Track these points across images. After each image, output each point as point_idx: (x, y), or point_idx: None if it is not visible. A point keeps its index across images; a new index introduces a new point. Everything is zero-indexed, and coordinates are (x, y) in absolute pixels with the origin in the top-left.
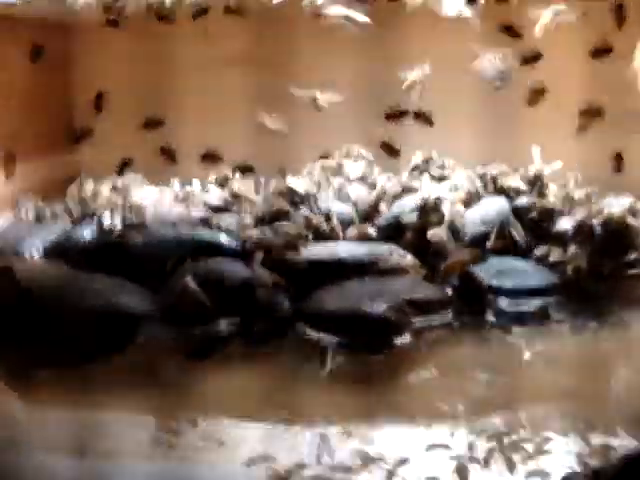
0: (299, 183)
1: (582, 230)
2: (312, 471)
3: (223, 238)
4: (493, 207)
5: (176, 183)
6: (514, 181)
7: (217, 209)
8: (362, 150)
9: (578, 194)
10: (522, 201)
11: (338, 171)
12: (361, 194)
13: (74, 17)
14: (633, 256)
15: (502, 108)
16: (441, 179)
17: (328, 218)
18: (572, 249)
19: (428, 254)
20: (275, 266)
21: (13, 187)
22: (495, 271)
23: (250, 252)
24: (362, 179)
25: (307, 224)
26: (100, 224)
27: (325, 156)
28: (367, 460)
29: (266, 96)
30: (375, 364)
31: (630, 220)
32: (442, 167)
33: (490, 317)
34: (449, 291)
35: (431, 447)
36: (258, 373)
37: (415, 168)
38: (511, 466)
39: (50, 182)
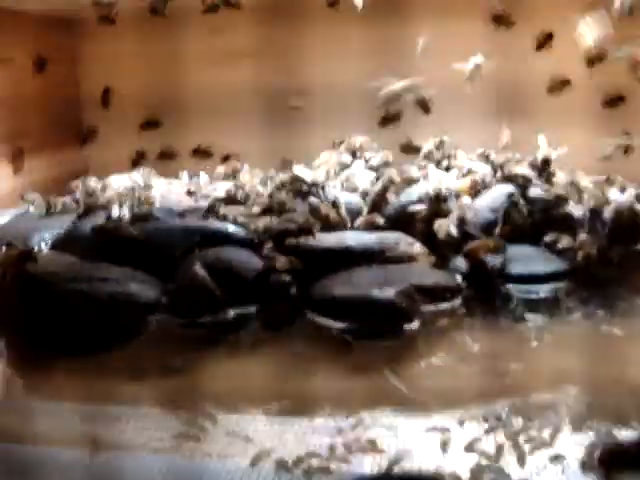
0: (306, 172)
1: (592, 217)
2: (319, 461)
3: (231, 227)
4: (500, 194)
5: (185, 176)
6: (521, 169)
7: (225, 200)
8: (368, 140)
9: (584, 182)
10: (536, 191)
11: (346, 161)
12: (369, 184)
13: (82, 12)
14: None
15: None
16: (448, 169)
17: (336, 207)
18: (582, 236)
19: (437, 243)
20: (288, 252)
21: (22, 181)
22: (504, 257)
23: (260, 241)
24: (370, 169)
25: (315, 213)
26: (108, 215)
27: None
28: (374, 449)
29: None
30: (384, 351)
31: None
32: (449, 156)
33: (499, 303)
34: (459, 278)
35: (439, 435)
36: (267, 362)
37: (428, 155)
38: (521, 455)
39: (58, 177)
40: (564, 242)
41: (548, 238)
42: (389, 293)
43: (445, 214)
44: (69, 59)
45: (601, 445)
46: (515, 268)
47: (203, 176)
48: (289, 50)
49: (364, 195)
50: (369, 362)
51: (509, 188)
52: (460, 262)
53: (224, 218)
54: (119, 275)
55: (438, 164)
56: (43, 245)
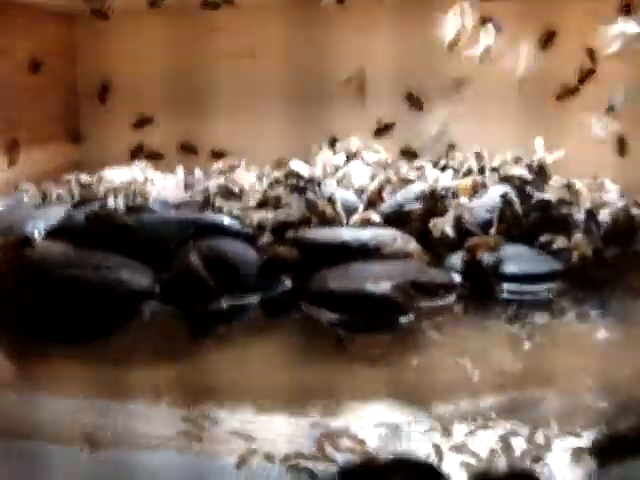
0: (303, 167)
1: (587, 219)
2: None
3: (227, 220)
4: (496, 194)
5: (180, 171)
6: (518, 170)
7: (220, 194)
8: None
9: (578, 185)
10: (542, 196)
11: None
12: (366, 181)
13: (82, 6)
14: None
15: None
16: (444, 168)
17: (332, 202)
18: (577, 237)
19: (432, 241)
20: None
21: (17, 173)
22: (499, 256)
23: (255, 234)
24: (367, 166)
25: (311, 208)
26: (103, 204)
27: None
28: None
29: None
30: (378, 345)
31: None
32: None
33: (494, 302)
34: (454, 276)
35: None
36: (253, 353)
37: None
38: (508, 449)
39: (54, 170)
40: (559, 242)
41: (543, 238)
42: (385, 287)
43: (441, 213)
44: (68, 52)
45: (595, 433)
46: (510, 267)
47: (198, 172)
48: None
49: (360, 193)
50: (356, 354)
51: (505, 189)
52: (455, 260)
53: (220, 211)
54: (113, 263)
55: (435, 164)
56: (37, 234)
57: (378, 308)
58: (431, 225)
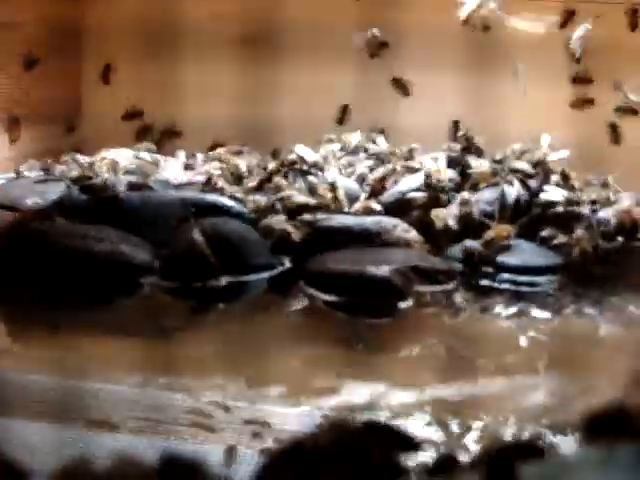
0: (308, 152)
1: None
2: None
3: (227, 200)
4: (498, 188)
5: (182, 154)
6: (521, 164)
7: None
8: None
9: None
10: (553, 196)
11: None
12: (367, 170)
13: None
14: None
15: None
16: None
17: (334, 189)
18: (579, 232)
19: (433, 232)
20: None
21: (18, 151)
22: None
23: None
24: (370, 156)
25: (313, 193)
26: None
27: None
28: None
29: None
30: (376, 329)
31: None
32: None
33: (493, 293)
34: (454, 263)
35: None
36: (244, 332)
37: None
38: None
39: (56, 148)
40: (560, 238)
41: (544, 233)
42: (384, 270)
43: (443, 204)
44: (73, 31)
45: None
46: (510, 260)
47: (200, 155)
48: None
49: (362, 180)
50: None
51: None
52: (455, 251)
53: (222, 192)
54: (113, 236)
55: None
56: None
57: (378, 291)
58: (433, 215)
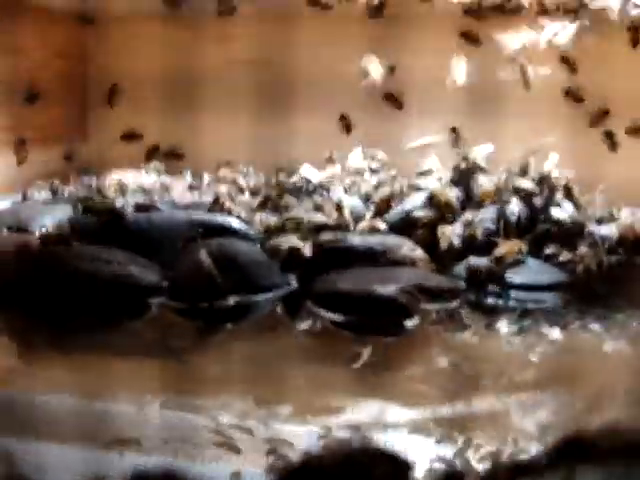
0: (313, 172)
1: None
2: None
3: (234, 221)
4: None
5: (188, 173)
6: (525, 182)
7: (229, 197)
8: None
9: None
10: (562, 215)
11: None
12: (373, 189)
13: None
14: None
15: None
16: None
17: (339, 208)
18: (582, 249)
19: (438, 251)
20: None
21: (26, 171)
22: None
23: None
24: (375, 175)
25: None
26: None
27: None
28: None
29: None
30: (382, 347)
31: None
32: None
33: (498, 310)
34: (459, 282)
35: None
36: (253, 350)
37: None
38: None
39: (62, 170)
40: (564, 255)
41: (549, 250)
42: (391, 289)
43: (449, 222)
44: (80, 54)
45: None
46: (515, 277)
47: (206, 176)
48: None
49: (367, 199)
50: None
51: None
52: (460, 269)
53: (229, 212)
54: (122, 258)
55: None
56: (44, 230)
57: (384, 310)
58: (439, 233)
